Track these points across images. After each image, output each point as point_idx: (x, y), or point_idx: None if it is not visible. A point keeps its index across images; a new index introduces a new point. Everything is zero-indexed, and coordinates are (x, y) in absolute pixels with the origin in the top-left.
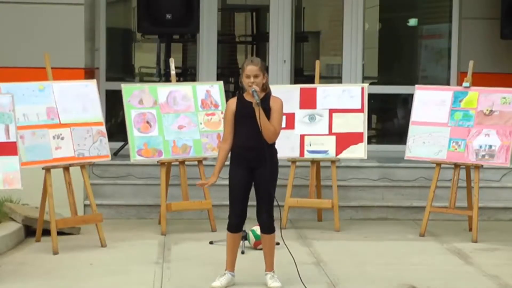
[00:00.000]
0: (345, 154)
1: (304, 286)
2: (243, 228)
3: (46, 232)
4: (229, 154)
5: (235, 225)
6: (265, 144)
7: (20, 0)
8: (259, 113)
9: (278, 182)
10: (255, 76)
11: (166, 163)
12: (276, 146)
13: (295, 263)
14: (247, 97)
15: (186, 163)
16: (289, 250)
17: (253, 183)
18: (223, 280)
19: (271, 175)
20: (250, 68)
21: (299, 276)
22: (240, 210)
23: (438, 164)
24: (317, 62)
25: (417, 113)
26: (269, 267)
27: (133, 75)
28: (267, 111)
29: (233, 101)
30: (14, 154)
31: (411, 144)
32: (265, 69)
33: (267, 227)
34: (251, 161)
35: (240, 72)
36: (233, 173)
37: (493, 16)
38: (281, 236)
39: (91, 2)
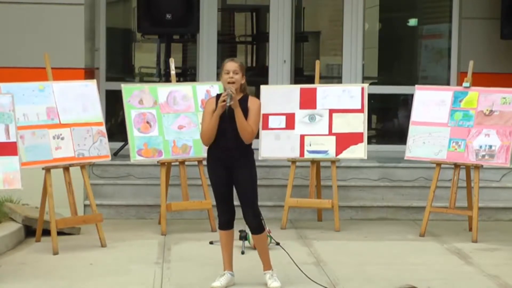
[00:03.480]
0: (345, 154)
1: (314, 281)
2: (243, 229)
3: (46, 232)
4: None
5: (225, 222)
6: (240, 144)
7: (20, 0)
8: (229, 113)
9: (278, 182)
10: (234, 72)
11: (166, 163)
12: (277, 146)
13: (295, 263)
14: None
15: (186, 163)
16: (286, 251)
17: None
18: (223, 280)
19: (249, 175)
20: (230, 64)
21: (304, 273)
22: (227, 209)
23: (438, 164)
24: (317, 62)
25: (417, 113)
26: (267, 266)
27: (133, 75)
28: (245, 112)
29: (212, 101)
30: (14, 154)
31: (411, 144)
32: (244, 71)
33: (255, 227)
34: (227, 161)
35: (220, 71)
36: (211, 172)
37: (493, 16)
38: (269, 235)
39: (91, 2)
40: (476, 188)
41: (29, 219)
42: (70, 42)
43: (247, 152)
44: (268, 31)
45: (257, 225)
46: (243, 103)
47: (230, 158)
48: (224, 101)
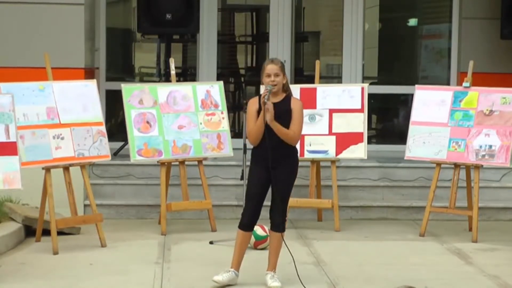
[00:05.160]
0: (345, 154)
1: (304, 286)
2: None
3: (46, 232)
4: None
5: (247, 224)
6: (284, 144)
7: (20, 0)
8: (262, 118)
9: None
10: (276, 75)
11: (166, 163)
12: None
13: (295, 264)
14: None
15: (186, 163)
16: (289, 250)
17: (271, 181)
18: (225, 276)
19: (290, 175)
20: (271, 67)
21: (299, 276)
22: (253, 210)
23: (438, 164)
24: (317, 62)
25: (417, 113)
26: (272, 266)
27: (133, 75)
28: (288, 112)
29: (255, 101)
30: (14, 154)
31: (411, 144)
32: (285, 70)
33: (278, 225)
34: (273, 159)
35: (261, 73)
36: (252, 171)
37: (493, 16)
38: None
39: (91, 2)
40: (476, 188)
41: (29, 219)
42: (70, 42)
43: (291, 152)
44: (268, 31)
45: (280, 223)
46: (286, 104)
47: (273, 158)
48: (264, 96)
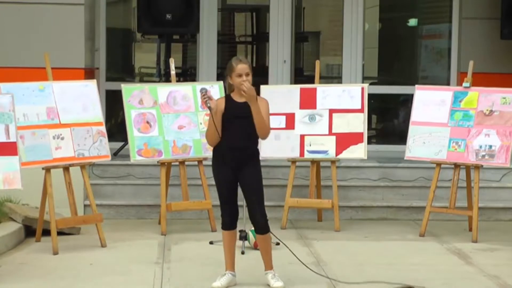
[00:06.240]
0: (345, 154)
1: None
2: (243, 228)
3: (46, 232)
4: (212, 153)
5: (229, 222)
6: (250, 144)
7: (20, 0)
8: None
9: (278, 182)
10: (247, 74)
11: (166, 163)
12: (277, 146)
13: (301, 262)
14: (235, 97)
15: (186, 163)
16: (286, 246)
17: (239, 185)
18: (223, 281)
19: (257, 175)
20: (242, 67)
21: (306, 266)
22: (230, 209)
23: (438, 164)
24: (317, 62)
25: (417, 113)
26: (268, 266)
27: (133, 75)
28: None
29: (221, 101)
30: (14, 154)
31: (411, 144)
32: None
33: (261, 227)
34: (237, 161)
35: (227, 73)
36: (217, 171)
37: (493, 16)
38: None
39: (91, 2)
40: (476, 188)
41: (29, 219)
42: (70, 42)
43: (255, 152)
44: (268, 31)
45: (263, 225)
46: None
47: (238, 158)
48: (205, 102)
